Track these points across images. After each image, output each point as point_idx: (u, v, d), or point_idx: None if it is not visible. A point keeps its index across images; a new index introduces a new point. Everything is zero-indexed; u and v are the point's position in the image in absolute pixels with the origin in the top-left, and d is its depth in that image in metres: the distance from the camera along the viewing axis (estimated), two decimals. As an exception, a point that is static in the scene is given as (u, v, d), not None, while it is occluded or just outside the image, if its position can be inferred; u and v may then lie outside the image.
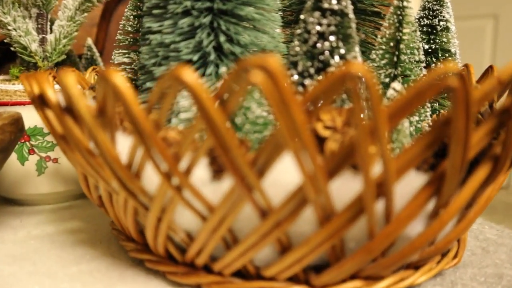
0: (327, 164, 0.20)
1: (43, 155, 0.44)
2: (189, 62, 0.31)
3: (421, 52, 0.36)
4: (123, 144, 0.24)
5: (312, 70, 0.29)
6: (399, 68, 0.35)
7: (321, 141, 0.25)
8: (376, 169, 0.20)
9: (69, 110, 0.23)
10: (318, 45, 0.29)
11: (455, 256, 0.30)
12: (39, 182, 0.44)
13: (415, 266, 0.28)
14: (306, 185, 0.20)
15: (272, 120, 0.26)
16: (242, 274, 0.27)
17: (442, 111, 0.40)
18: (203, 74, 0.31)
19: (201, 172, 0.24)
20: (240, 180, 0.20)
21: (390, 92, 0.31)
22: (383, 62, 0.36)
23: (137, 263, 0.32)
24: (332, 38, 0.29)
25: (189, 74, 0.18)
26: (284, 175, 0.22)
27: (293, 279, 0.26)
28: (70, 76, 0.21)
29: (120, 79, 0.20)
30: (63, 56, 0.47)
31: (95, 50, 0.61)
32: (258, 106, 0.26)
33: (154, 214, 0.25)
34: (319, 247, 0.23)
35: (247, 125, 0.26)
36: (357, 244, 0.24)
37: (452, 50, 0.41)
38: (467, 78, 0.18)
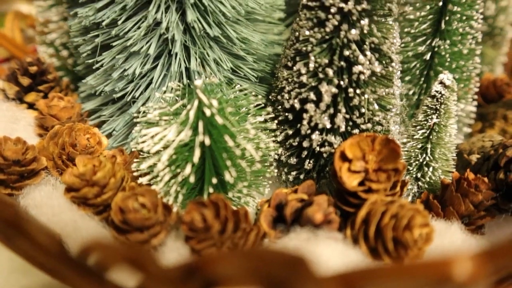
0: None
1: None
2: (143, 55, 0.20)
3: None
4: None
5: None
6: (445, 38, 0.25)
7: (344, 196, 0.17)
8: None
9: None
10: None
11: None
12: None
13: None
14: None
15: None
16: None
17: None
18: (166, 71, 0.21)
19: None
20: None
21: (436, 88, 0.22)
22: (423, 27, 0.25)
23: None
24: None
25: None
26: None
27: None
28: None
29: None
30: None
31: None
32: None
33: None
34: None
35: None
36: None
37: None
38: None
